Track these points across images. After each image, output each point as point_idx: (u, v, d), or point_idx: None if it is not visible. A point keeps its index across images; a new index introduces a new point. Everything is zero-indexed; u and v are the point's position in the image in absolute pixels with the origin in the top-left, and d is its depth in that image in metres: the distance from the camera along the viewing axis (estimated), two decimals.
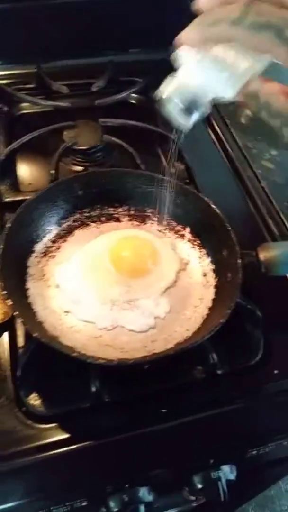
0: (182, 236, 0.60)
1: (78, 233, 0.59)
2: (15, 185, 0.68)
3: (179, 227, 0.60)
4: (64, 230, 0.59)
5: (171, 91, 0.43)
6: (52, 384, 0.50)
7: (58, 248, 0.58)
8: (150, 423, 0.49)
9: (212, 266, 0.56)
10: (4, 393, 0.50)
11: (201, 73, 0.40)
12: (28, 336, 0.51)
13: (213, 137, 0.79)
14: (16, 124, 0.78)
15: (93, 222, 0.61)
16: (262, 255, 0.52)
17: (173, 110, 0.43)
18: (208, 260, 0.57)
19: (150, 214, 0.61)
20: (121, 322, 0.52)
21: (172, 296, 0.55)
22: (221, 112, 0.81)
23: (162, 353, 0.46)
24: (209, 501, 0.59)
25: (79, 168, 0.72)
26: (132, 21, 0.84)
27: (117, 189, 0.61)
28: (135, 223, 0.61)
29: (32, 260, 0.56)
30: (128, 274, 0.54)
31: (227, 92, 0.40)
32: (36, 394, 0.50)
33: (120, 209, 0.62)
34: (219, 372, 0.52)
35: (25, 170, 0.71)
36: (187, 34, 0.38)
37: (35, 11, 0.80)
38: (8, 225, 0.53)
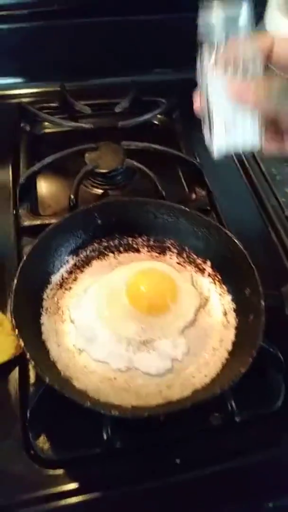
0: (203, 270, 0.55)
1: (95, 263, 0.55)
2: (34, 208, 0.64)
3: (199, 260, 0.55)
4: (81, 260, 0.55)
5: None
6: (62, 427, 0.46)
7: (75, 280, 0.53)
8: (163, 475, 0.44)
9: (233, 305, 0.51)
10: (12, 434, 0.46)
11: None
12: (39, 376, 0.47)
13: (236, 162, 0.73)
14: (38, 144, 0.74)
15: (111, 252, 0.56)
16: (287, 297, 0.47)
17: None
18: (229, 298, 0.52)
19: (170, 245, 0.57)
20: (136, 364, 0.47)
21: (191, 336, 0.50)
22: None
23: (179, 404, 0.42)
24: None
25: (99, 191, 0.68)
26: (156, 41, 0.79)
27: (136, 218, 0.56)
28: (155, 254, 0.56)
29: (48, 293, 0.51)
30: (145, 311, 0.50)
31: None
32: (45, 437, 0.46)
33: (139, 239, 0.57)
34: (237, 419, 0.47)
35: (45, 193, 0.67)
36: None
37: (60, 30, 0.76)
38: (24, 258, 0.49)
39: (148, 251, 0.56)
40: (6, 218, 0.63)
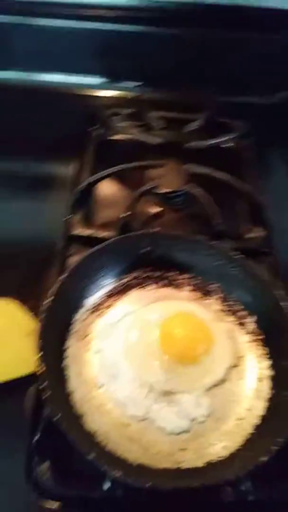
0: (245, 324, 0.48)
1: (133, 293, 0.50)
2: (87, 217, 0.60)
3: (243, 313, 0.49)
4: (119, 287, 0.50)
5: None
6: (67, 460, 0.42)
7: (109, 307, 0.49)
8: None
9: (271, 373, 0.45)
10: (16, 453, 0.43)
11: None
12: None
13: None
14: (104, 149, 0.70)
15: (152, 283, 0.51)
16: None
17: None
18: (268, 363, 0.46)
19: (213, 289, 0.51)
20: (153, 415, 0.42)
21: (216, 398, 0.44)
22: None
23: (187, 480, 0.36)
24: None
25: (155, 209, 0.63)
26: (243, 62, 0.72)
27: (184, 255, 0.51)
28: (197, 295, 0.51)
29: (79, 316, 0.47)
30: (175, 357, 0.44)
31: None
32: (49, 465, 0.42)
33: (183, 276, 0.51)
34: (250, 498, 0.42)
35: (101, 203, 0.63)
36: None
37: (147, 37, 0.71)
38: (64, 275, 0.45)
39: (190, 291, 0.51)
40: (59, 222, 0.60)
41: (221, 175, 0.62)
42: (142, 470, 0.38)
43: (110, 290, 0.50)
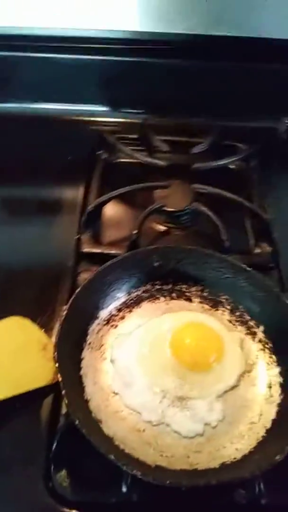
0: (254, 334, 0.53)
1: (145, 305, 0.55)
2: (96, 236, 0.66)
3: (252, 323, 0.54)
4: (132, 300, 0.55)
5: None
6: (85, 467, 0.46)
7: (122, 318, 0.54)
8: None
9: (280, 379, 0.49)
10: (35, 462, 0.46)
11: None
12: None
13: None
14: (111, 172, 0.76)
15: (163, 296, 0.56)
16: None
17: None
18: (277, 370, 0.50)
19: (223, 300, 0.55)
20: (168, 420, 0.46)
21: (228, 403, 0.48)
22: None
23: (203, 478, 0.40)
24: None
25: (163, 228, 0.68)
26: (244, 87, 0.80)
27: (195, 268, 0.56)
28: (206, 306, 0.56)
29: (93, 327, 0.52)
30: (187, 365, 0.49)
31: None
32: (67, 473, 0.46)
33: (193, 288, 0.56)
34: (263, 501, 0.45)
35: (109, 222, 0.69)
36: None
37: (150, 67, 0.78)
38: (78, 289, 0.50)
39: (200, 302, 0.56)
40: (69, 242, 0.65)
41: (227, 194, 0.68)
42: (159, 470, 0.41)
43: (123, 303, 0.55)
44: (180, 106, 0.81)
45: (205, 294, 0.56)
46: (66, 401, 0.43)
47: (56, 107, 0.84)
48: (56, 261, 0.64)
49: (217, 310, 0.55)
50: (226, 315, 0.55)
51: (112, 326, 0.53)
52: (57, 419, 0.49)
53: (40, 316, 0.56)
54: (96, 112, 0.83)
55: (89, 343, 0.51)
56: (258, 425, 0.46)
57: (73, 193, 0.73)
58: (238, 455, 0.44)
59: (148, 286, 0.56)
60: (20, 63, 0.81)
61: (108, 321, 0.53)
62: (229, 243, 0.63)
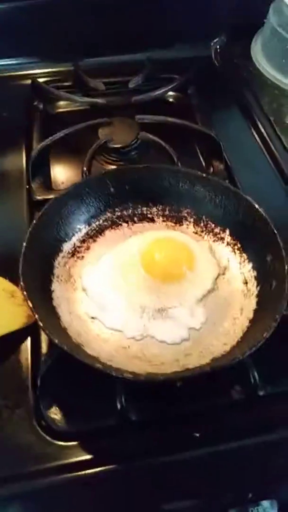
0: (221, 239, 0.52)
1: (108, 233, 0.53)
2: (47, 183, 0.63)
3: (217, 229, 0.53)
4: (94, 230, 0.53)
5: None
6: (75, 398, 0.44)
7: (87, 249, 0.52)
8: (181, 449, 0.42)
9: (254, 273, 0.49)
10: (23, 404, 0.44)
11: None
12: (51, 343, 0.46)
13: (256, 136, 0.71)
14: (51, 123, 0.73)
15: (125, 222, 0.54)
16: None
17: None
18: (250, 266, 0.49)
19: (186, 214, 0.54)
20: (151, 332, 0.45)
21: (209, 306, 0.47)
22: (264, 110, 0.73)
23: (197, 369, 0.39)
24: None
25: (113, 167, 0.66)
26: (172, 16, 0.78)
27: (151, 187, 0.54)
28: (170, 224, 0.54)
29: (59, 260, 0.50)
30: (160, 278, 0.47)
31: None
32: (57, 408, 0.44)
33: (154, 209, 0.55)
34: (260, 393, 0.45)
35: (58, 168, 0.66)
36: None
37: (71, 7, 0.75)
38: (33, 222, 0.47)
39: (164, 221, 0.54)
40: (20, 193, 0.62)
41: (173, 119, 0.67)
42: (151, 375, 0.40)
43: (85, 234, 0.52)
44: (109, 45, 0.78)
45: (167, 212, 0.55)
46: (42, 325, 0.40)
47: None
48: (9, 214, 0.61)
49: (181, 225, 0.54)
50: (191, 228, 0.54)
51: (78, 257, 0.51)
52: (38, 360, 0.46)
53: (3, 268, 0.53)
54: (25, 64, 0.78)
55: (57, 276, 0.48)
56: (241, 319, 0.46)
57: (16, 150, 0.69)
58: (227, 348, 0.43)
59: (108, 214, 0.54)
60: None
61: (73, 253, 0.51)
62: (183, 167, 0.62)
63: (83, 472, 0.41)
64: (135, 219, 0.54)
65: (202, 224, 0.54)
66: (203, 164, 0.66)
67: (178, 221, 0.54)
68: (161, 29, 0.78)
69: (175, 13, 0.78)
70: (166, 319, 0.45)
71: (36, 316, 0.40)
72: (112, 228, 0.54)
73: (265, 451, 0.42)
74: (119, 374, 0.37)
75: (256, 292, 0.47)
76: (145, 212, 0.55)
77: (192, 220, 0.54)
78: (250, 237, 0.50)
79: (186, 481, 0.41)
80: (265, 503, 0.43)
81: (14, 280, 0.51)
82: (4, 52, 0.77)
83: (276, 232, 0.47)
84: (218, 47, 0.83)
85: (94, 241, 0.52)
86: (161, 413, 0.44)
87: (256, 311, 0.45)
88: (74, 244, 0.51)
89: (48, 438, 0.42)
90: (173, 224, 0.54)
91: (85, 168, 0.61)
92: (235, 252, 0.51)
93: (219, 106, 0.76)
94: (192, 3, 0.79)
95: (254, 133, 0.72)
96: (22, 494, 0.41)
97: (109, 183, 0.53)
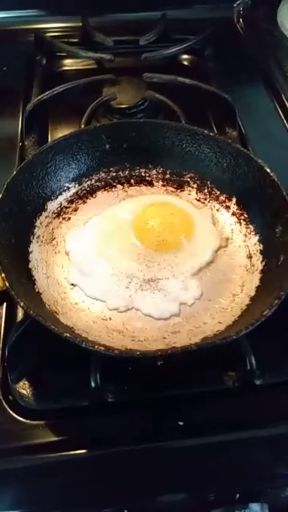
0: (227, 207, 0.46)
1: (101, 194, 0.47)
2: (42, 141, 0.57)
3: (223, 197, 0.47)
4: (84, 190, 0.47)
5: None
6: (46, 372, 0.39)
7: (75, 210, 0.46)
8: (160, 437, 0.36)
9: (260, 246, 0.43)
10: None
11: None
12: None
13: (277, 105, 0.64)
14: (54, 81, 0.67)
15: (120, 183, 0.48)
16: None
17: None
18: (256, 238, 0.43)
19: (189, 179, 0.48)
20: (136, 304, 0.39)
21: (206, 280, 0.41)
22: (286, 71, 0.66)
23: (182, 348, 0.33)
24: None
25: None
26: None
27: (151, 145, 0.48)
28: (171, 189, 0.48)
29: (41, 220, 0.44)
30: (153, 246, 0.42)
31: None
32: (26, 382, 0.39)
33: (153, 171, 0.49)
34: (257, 382, 0.39)
35: (56, 126, 0.60)
36: None
37: None
38: (13, 173, 0.42)
39: (163, 185, 0.48)
40: (13, 151, 0.57)
41: (184, 80, 0.60)
42: (127, 350, 0.34)
43: (74, 194, 0.47)
44: (121, 0, 0.71)
45: (167, 176, 0.49)
46: (7, 283, 0.35)
47: None
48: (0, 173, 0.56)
49: (182, 190, 0.48)
50: (194, 194, 0.48)
51: (64, 218, 0.45)
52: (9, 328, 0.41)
53: None
54: (32, 17, 0.72)
55: (38, 237, 0.43)
56: (241, 296, 0.40)
57: (12, 104, 0.63)
58: (222, 327, 0.38)
59: (102, 174, 0.48)
60: None
61: (58, 213, 0.46)
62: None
63: (48, 455, 0.36)
64: (132, 181, 0.49)
65: (206, 191, 0.47)
66: (215, 130, 0.59)
67: (180, 186, 0.48)
68: None
69: None
70: (155, 291, 0.40)
71: (3, 275, 0.35)
72: (105, 189, 0.48)
73: (257, 447, 0.36)
74: (89, 346, 0.32)
75: (260, 268, 0.41)
76: (143, 174, 0.49)
77: (195, 185, 0.48)
78: (259, 206, 0.44)
79: (163, 474, 0.35)
80: (254, 506, 0.37)
81: None
82: (8, 3, 0.72)
83: None
84: (241, 9, 0.76)
85: (84, 202, 0.47)
86: (141, 396, 0.38)
87: (258, 288, 0.39)
88: (61, 203, 0.46)
89: (14, 414, 0.38)
90: (173, 189, 0.48)
91: (83, 126, 0.55)
92: (240, 222, 0.45)
93: (237, 71, 0.69)
94: None
95: (275, 102, 0.65)
96: None
97: (104, 139, 0.47)
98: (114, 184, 0.48)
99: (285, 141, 0.60)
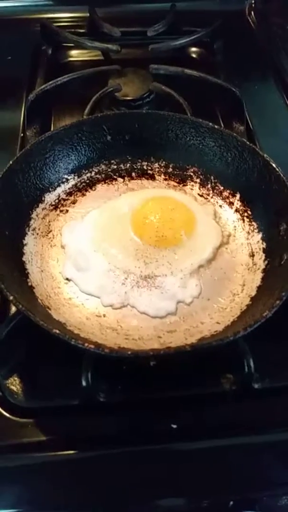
0: (230, 204, 0.44)
1: (100, 187, 0.46)
2: (44, 131, 0.55)
3: (227, 192, 0.45)
4: (83, 182, 0.46)
5: None
6: (38, 369, 0.38)
7: (73, 203, 0.45)
8: (152, 440, 0.35)
9: (263, 245, 0.41)
10: None
11: None
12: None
13: (285, 97, 0.61)
14: (59, 71, 0.65)
15: (120, 176, 0.47)
16: None
17: None
18: (259, 236, 0.42)
19: (192, 173, 0.46)
20: (132, 301, 0.38)
21: (206, 278, 0.40)
22: None
23: (176, 348, 0.32)
24: None
25: None
26: None
27: (154, 138, 0.46)
28: (173, 183, 0.47)
29: (38, 212, 0.43)
30: (151, 243, 0.40)
31: None
32: (17, 378, 0.37)
33: (156, 164, 0.47)
34: (255, 386, 0.37)
35: (60, 117, 0.58)
36: None
37: None
38: (9, 163, 0.40)
39: (165, 179, 0.47)
40: (15, 141, 0.55)
41: (191, 72, 0.58)
42: (122, 350, 0.33)
43: (73, 186, 0.45)
44: None
45: (170, 169, 0.47)
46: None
47: None
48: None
49: (185, 185, 0.46)
50: (196, 189, 0.46)
51: (61, 211, 0.44)
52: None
53: None
54: (38, 6, 0.71)
55: (34, 229, 0.42)
56: (241, 295, 0.38)
57: (16, 94, 0.61)
58: (220, 328, 0.36)
59: (102, 166, 0.47)
60: None
61: (56, 205, 0.44)
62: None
63: (36, 454, 0.35)
64: (133, 174, 0.47)
65: (209, 186, 0.46)
66: (222, 124, 0.57)
67: (182, 180, 0.47)
68: None
69: None
70: (152, 288, 0.38)
71: None
72: (105, 182, 0.46)
73: (254, 454, 0.35)
74: (79, 343, 0.30)
75: (262, 267, 0.39)
76: (145, 167, 0.47)
77: (198, 180, 0.46)
78: (263, 203, 0.42)
79: (154, 479, 0.34)
80: None
81: None
82: None
83: None
84: (253, 2, 0.74)
85: (83, 194, 0.45)
86: (134, 397, 0.37)
87: (260, 288, 0.38)
88: (59, 195, 0.44)
89: (2, 411, 0.36)
90: (176, 184, 0.47)
91: (85, 117, 0.53)
92: (243, 219, 0.43)
93: (247, 65, 0.67)
94: None
95: (284, 97, 0.63)
96: None
97: (105, 130, 0.46)
98: (115, 177, 0.47)
99: None
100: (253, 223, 0.42)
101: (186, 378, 0.37)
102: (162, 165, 0.47)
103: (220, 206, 0.45)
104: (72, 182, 0.45)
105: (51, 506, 0.36)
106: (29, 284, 0.38)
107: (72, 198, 0.45)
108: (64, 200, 0.45)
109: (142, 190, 0.45)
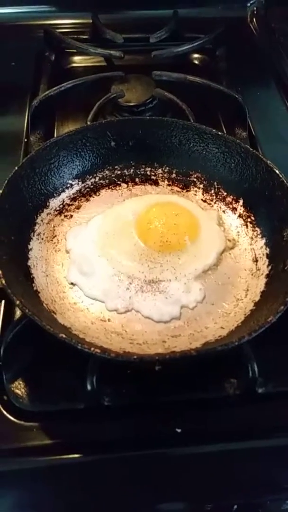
0: (233, 209, 0.45)
1: (104, 193, 0.47)
2: (47, 137, 0.56)
3: (230, 198, 0.45)
4: (88, 188, 0.46)
5: None
6: (43, 373, 0.38)
7: (78, 208, 0.45)
8: (157, 444, 0.35)
9: (266, 250, 0.41)
10: None
11: None
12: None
13: (286, 103, 0.62)
14: (63, 77, 0.66)
15: (124, 182, 0.47)
16: None
17: None
18: (262, 242, 0.42)
19: (195, 179, 0.47)
20: (137, 306, 0.38)
21: (210, 283, 0.40)
22: None
23: (181, 353, 0.32)
24: None
25: None
26: None
27: (158, 144, 0.47)
28: (176, 188, 0.47)
29: (43, 217, 0.43)
30: (156, 247, 0.41)
31: None
32: (22, 382, 0.38)
33: (159, 170, 0.48)
34: (259, 390, 0.37)
35: (63, 123, 0.59)
36: None
37: None
38: (15, 169, 0.41)
39: (169, 185, 0.47)
40: (18, 147, 0.56)
41: (194, 78, 0.59)
42: (127, 354, 0.33)
43: (77, 191, 0.46)
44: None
45: (173, 175, 0.48)
46: (3, 280, 0.34)
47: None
48: (3, 170, 0.55)
49: (188, 191, 0.47)
50: (200, 195, 0.47)
51: (66, 216, 0.45)
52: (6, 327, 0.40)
53: None
54: (41, 13, 0.72)
55: (39, 234, 0.42)
56: (245, 301, 0.39)
57: (20, 100, 0.62)
58: (224, 333, 0.36)
59: (106, 172, 0.47)
60: None
61: (60, 211, 0.45)
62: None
63: (41, 458, 0.35)
64: (137, 180, 0.48)
65: (212, 191, 0.46)
66: (224, 130, 0.58)
67: (186, 186, 0.47)
68: None
69: None
70: (156, 293, 0.39)
71: (0, 272, 0.34)
72: (109, 187, 0.47)
73: (257, 458, 0.35)
74: (85, 348, 0.31)
75: (266, 272, 0.40)
76: (148, 173, 0.48)
77: (201, 186, 0.47)
78: (266, 209, 0.42)
79: (158, 482, 0.34)
80: None
81: None
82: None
83: None
84: (255, 8, 0.75)
85: (87, 200, 0.46)
86: (138, 401, 0.37)
87: (263, 293, 0.38)
88: (63, 201, 0.45)
89: (7, 415, 0.37)
90: (179, 189, 0.47)
91: (89, 123, 0.54)
92: (247, 225, 0.44)
93: (249, 71, 0.67)
94: None
95: (287, 104, 0.63)
96: None
97: (109, 136, 0.46)
98: (119, 182, 0.47)
99: None
100: (257, 228, 0.43)
101: (190, 382, 0.37)
102: (165, 170, 0.48)
103: (224, 211, 0.45)
104: (76, 188, 0.46)
105: (55, 510, 0.36)
106: (35, 288, 0.38)
107: (76, 203, 0.45)
108: (69, 205, 0.45)
109: (145, 195, 0.46)
